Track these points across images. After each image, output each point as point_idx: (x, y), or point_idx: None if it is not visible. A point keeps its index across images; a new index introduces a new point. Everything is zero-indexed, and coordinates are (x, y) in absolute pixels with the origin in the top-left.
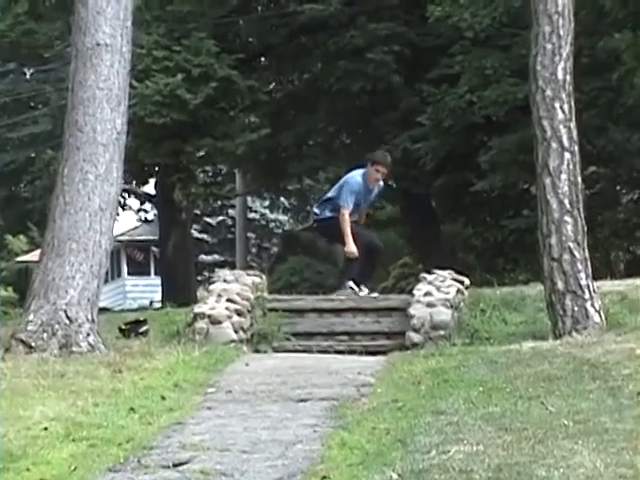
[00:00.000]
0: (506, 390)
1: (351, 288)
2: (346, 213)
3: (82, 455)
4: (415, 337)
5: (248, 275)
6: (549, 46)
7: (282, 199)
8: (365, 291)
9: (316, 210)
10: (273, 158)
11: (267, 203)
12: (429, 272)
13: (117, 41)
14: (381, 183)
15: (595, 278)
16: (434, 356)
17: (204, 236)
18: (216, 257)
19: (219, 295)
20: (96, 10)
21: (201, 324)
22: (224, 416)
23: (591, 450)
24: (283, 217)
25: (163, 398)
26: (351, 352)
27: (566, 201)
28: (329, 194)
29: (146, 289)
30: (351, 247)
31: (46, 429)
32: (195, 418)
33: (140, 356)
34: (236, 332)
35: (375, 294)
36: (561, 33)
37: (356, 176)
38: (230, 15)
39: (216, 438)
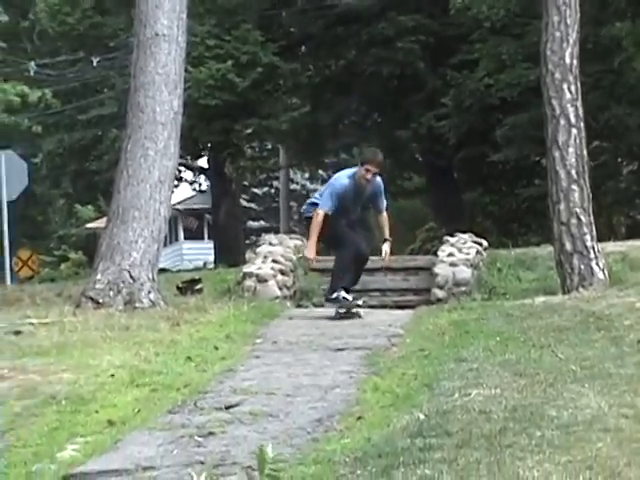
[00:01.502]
0: (520, 340)
1: (345, 299)
2: (320, 214)
3: (144, 399)
4: (439, 293)
5: (291, 239)
6: (557, 34)
7: (320, 171)
8: (360, 300)
9: (305, 207)
10: (312, 135)
11: (307, 175)
12: (451, 235)
13: (173, 31)
14: (378, 180)
15: (599, 240)
16: (456, 310)
17: (252, 205)
18: (262, 223)
19: (265, 257)
20: (155, 4)
21: (249, 282)
22: (270, 364)
23: (596, 393)
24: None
25: (216, 348)
26: (382, 306)
27: (573, 172)
28: (317, 194)
29: (200, 252)
30: (310, 252)
31: (113, 376)
32: (244, 366)
33: (195, 311)
34: (280, 289)
35: (362, 301)
36: (568, 22)
37: (341, 178)
38: (273, 7)
39: (263, 383)
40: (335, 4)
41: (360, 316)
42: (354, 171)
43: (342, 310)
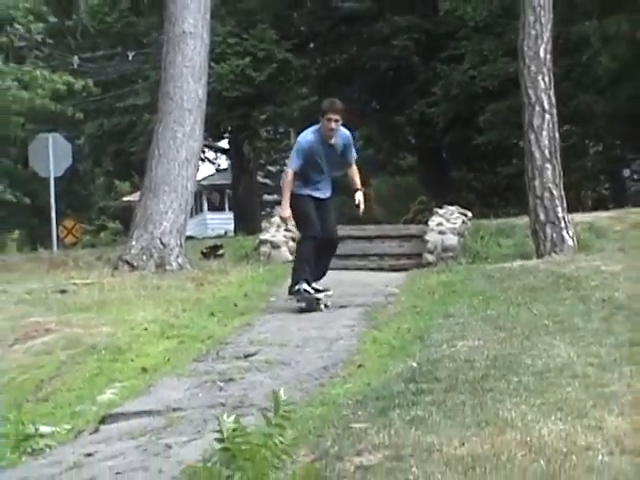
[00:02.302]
0: (500, 298)
1: (305, 291)
2: (289, 173)
3: (173, 349)
4: (430, 257)
5: None
6: (533, 32)
7: None
8: (322, 294)
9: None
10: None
11: None
12: (440, 207)
13: (199, 30)
14: (344, 131)
15: (569, 211)
16: (444, 272)
17: (267, 181)
18: (276, 197)
19: (278, 226)
20: (182, 5)
21: (264, 248)
22: (282, 319)
23: (566, 344)
24: None
25: (235, 305)
26: (380, 269)
27: (546, 152)
28: None
29: (222, 222)
30: (284, 212)
31: (146, 329)
32: (260, 320)
33: (218, 273)
34: (291, 254)
35: (330, 292)
36: (542, 21)
37: (306, 134)
38: (286, 9)
39: (276, 336)
40: (339, 6)
41: (322, 310)
42: (318, 126)
43: (302, 304)
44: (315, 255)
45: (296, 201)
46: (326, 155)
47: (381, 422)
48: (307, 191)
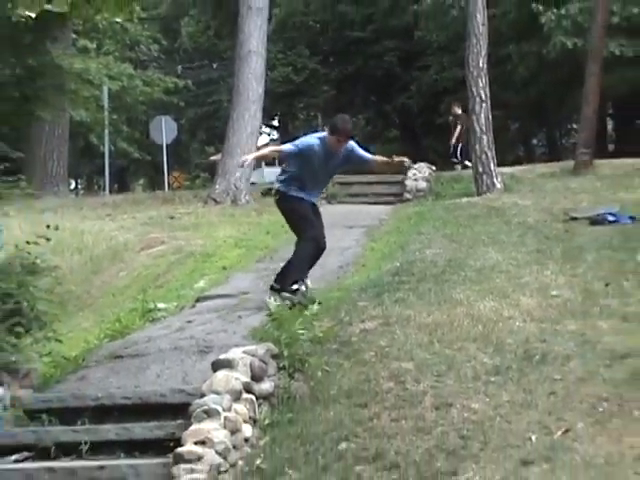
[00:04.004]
0: (453, 222)
1: (302, 294)
2: (278, 148)
3: (243, 254)
4: (408, 196)
5: None
6: (475, 50)
7: None
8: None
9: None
10: (336, 108)
11: None
12: (415, 164)
13: (259, 49)
14: (350, 143)
15: (497, 166)
16: (417, 206)
17: None
18: None
19: None
20: (248, 33)
21: None
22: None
23: (495, 251)
24: None
25: (282, 226)
26: (376, 204)
27: (483, 128)
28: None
29: (273, 173)
30: (246, 157)
31: (225, 242)
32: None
33: (271, 206)
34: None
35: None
36: (481, 43)
37: (311, 138)
38: (315, 36)
39: None
40: (350, 34)
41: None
42: (324, 135)
43: (297, 301)
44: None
45: (293, 203)
46: (326, 162)
47: (376, 301)
48: (303, 195)
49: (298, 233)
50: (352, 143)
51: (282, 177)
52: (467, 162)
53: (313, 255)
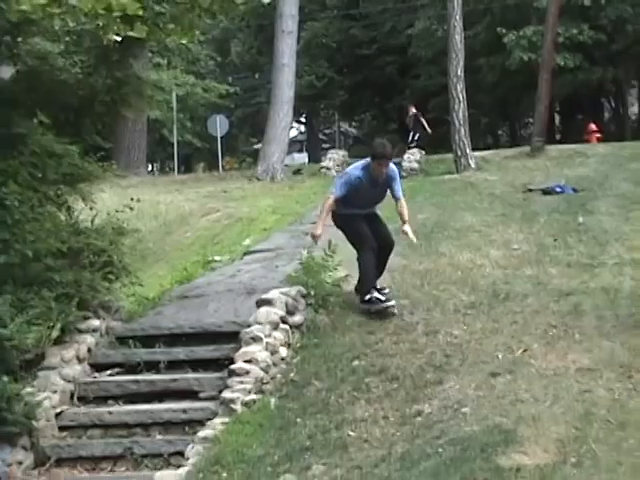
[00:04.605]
0: (439, 193)
1: (377, 299)
2: (331, 199)
3: (279, 219)
4: (403, 174)
5: (337, 153)
6: (454, 62)
7: (353, 124)
8: (391, 301)
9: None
10: (349, 107)
11: (347, 125)
12: (409, 149)
13: (290, 62)
14: (393, 167)
15: (472, 150)
16: (411, 181)
17: (324, 137)
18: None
19: (329, 158)
20: (282, 51)
21: (323, 170)
22: None
23: (471, 215)
24: (352, 130)
25: (309, 197)
26: None
27: (461, 121)
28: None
29: (302, 158)
30: (317, 230)
31: (265, 209)
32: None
33: (300, 182)
34: (337, 171)
35: (387, 290)
36: (459, 56)
37: (356, 170)
38: (333, 53)
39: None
40: (360, 53)
41: (394, 313)
42: (368, 163)
43: (376, 311)
44: (377, 259)
45: (345, 220)
46: (372, 188)
47: None
48: (357, 211)
49: (355, 247)
50: (396, 171)
51: (337, 203)
52: (415, 147)
53: (374, 263)
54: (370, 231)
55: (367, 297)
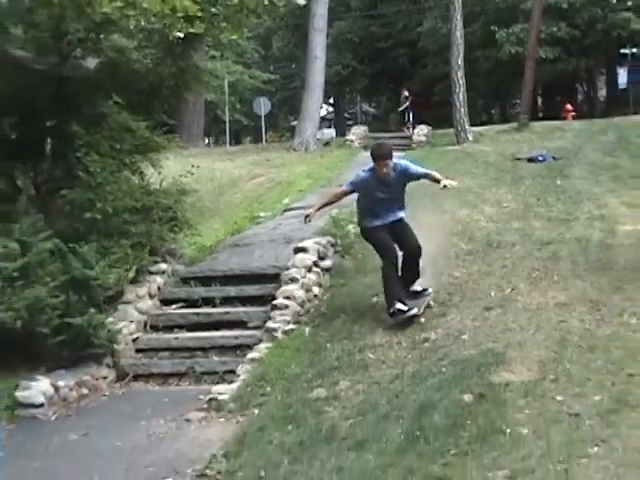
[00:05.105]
0: (442, 161)
1: (400, 311)
2: (340, 189)
3: (312, 182)
4: (414, 145)
5: (359, 128)
6: (456, 53)
7: (372, 104)
8: (414, 310)
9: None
10: (370, 90)
11: (367, 105)
12: (406, 127)
13: (321, 55)
14: (400, 162)
15: (470, 126)
16: (420, 152)
17: (348, 115)
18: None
19: (353, 133)
20: (315, 45)
21: (348, 142)
22: (355, 165)
23: (468, 179)
24: (371, 109)
25: (336, 164)
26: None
27: (462, 102)
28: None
29: (330, 133)
30: (312, 211)
31: (300, 175)
32: (348, 168)
33: (329, 152)
34: (359, 143)
35: (430, 290)
36: (460, 49)
37: (361, 173)
38: (356, 46)
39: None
40: (377, 45)
41: (420, 320)
42: (372, 165)
43: (401, 321)
44: (405, 266)
45: (370, 233)
46: (383, 187)
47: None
48: (378, 222)
49: (380, 257)
50: (404, 163)
51: (358, 211)
52: (411, 128)
53: (395, 275)
54: (396, 241)
55: (390, 310)
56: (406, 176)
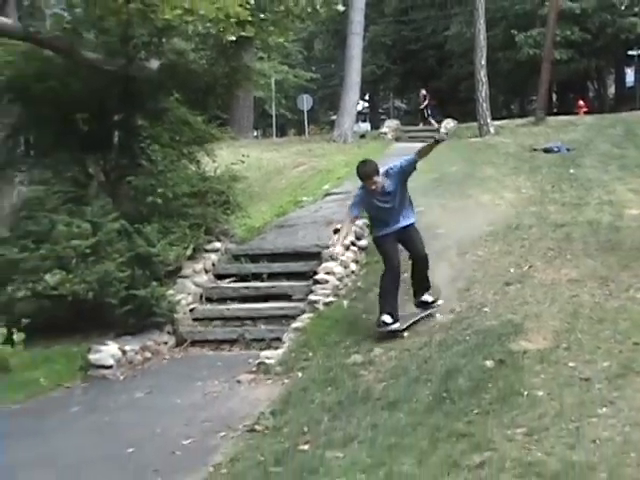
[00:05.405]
0: (466, 152)
1: (384, 322)
2: (348, 216)
3: (349, 171)
4: (437, 136)
5: (393, 122)
6: (479, 55)
7: (403, 100)
8: (396, 324)
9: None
10: (400, 88)
11: (398, 101)
12: (445, 119)
13: (358, 54)
14: (395, 165)
15: (492, 120)
16: (447, 143)
17: (382, 110)
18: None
19: (387, 125)
20: (352, 47)
21: (382, 135)
22: (388, 156)
23: (490, 168)
24: (403, 105)
25: (372, 154)
26: (423, 141)
27: (484, 98)
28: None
29: (365, 126)
30: (334, 249)
31: (339, 163)
32: (382, 157)
33: (364, 143)
34: (392, 136)
35: (440, 302)
36: (483, 52)
37: (359, 191)
38: (389, 49)
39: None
40: (408, 47)
41: (402, 336)
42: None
43: (382, 333)
44: (413, 270)
45: (379, 242)
46: (384, 198)
47: (423, 196)
48: (387, 231)
49: (384, 266)
50: (397, 163)
51: (369, 222)
52: (433, 121)
53: (392, 287)
54: (404, 246)
55: (382, 319)
56: (404, 172)
